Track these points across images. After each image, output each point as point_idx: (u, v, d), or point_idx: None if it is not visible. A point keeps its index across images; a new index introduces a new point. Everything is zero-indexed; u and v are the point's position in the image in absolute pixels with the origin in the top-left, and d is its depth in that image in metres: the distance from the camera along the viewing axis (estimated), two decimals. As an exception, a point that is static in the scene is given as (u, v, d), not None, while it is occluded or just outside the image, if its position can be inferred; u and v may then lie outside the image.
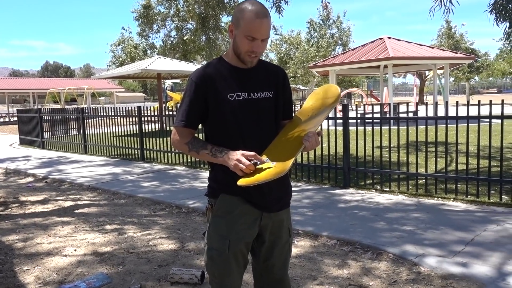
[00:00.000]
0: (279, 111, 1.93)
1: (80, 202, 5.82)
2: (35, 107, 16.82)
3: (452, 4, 6.56)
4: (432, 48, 17.70)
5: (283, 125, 1.98)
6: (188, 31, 26.08)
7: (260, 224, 1.88)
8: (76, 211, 5.34)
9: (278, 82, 1.95)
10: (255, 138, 1.84)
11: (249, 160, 1.72)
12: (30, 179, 7.88)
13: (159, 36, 33.45)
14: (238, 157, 1.72)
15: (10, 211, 5.42)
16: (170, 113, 8.73)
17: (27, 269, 3.43)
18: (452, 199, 5.19)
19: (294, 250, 3.71)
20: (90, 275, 3.24)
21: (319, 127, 1.86)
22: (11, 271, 3.39)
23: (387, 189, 5.76)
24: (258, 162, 1.75)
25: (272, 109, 1.90)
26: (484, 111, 4.99)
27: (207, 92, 1.80)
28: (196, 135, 1.91)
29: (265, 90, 1.88)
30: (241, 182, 1.70)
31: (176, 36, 26.68)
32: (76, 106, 12.29)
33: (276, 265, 1.97)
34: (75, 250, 3.83)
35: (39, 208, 5.53)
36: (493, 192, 5.20)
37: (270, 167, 1.72)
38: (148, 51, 28.87)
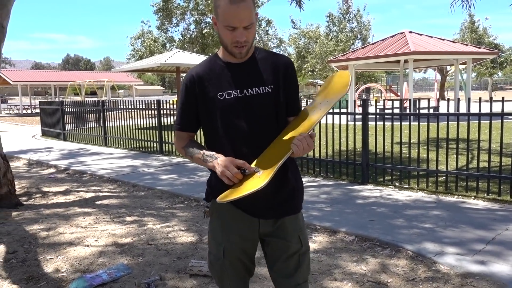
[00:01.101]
0: (281, 107, 1.73)
1: (100, 194, 5.93)
2: (57, 100, 17.13)
3: (474, -1, 6.41)
4: (454, 42, 17.36)
5: (287, 122, 1.79)
6: (207, 24, 26.13)
7: (260, 231, 1.76)
8: (97, 202, 5.44)
9: (279, 73, 1.72)
10: (247, 142, 1.68)
11: (238, 168, 1.58)
12: (52, 170, 8.05)
13: (178, 30, 33.64)
14: (226, 163, 1.59)
15: (33, 201, 5.56)
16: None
17: (50, 258, 3.52)
18: (473, 197, 5.11)
19: (312, 246, 3.71)
20: (111, 266, 3.31)
21: (312, 127, 1.62)
22: (35, 260, 3.49)
23: (406, 186, 5.70)
24: (247, 171, 1.60)
25: (271, 106, 1.70)
26: (508, 107, 4.87)
27: (197, 91, 1.70)
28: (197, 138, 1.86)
29: (262, 85, 1.69)
30: (220, 197, 1.58)
31: (195, 29, 26.77)
32: (96, 99, 12.46)
33: (284, 276, 1.78)
34: (96, 240, 3.91)
35: (61, 199, 5.65)
36: (516, 190, 5.10)
37: (258, 177, 1.56)
38: (167, 45, 29.03)
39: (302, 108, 1.80)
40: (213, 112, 1.68)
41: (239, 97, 1.66)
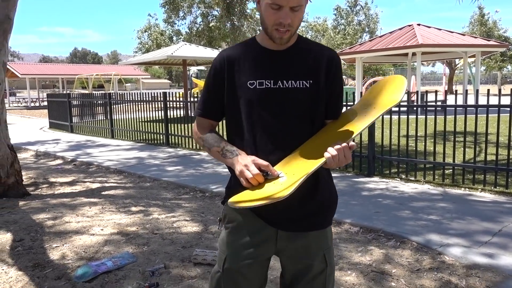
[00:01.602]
0: (318, 107, 1.51)
1: (106, 184, 5.97)
2: (64, 92, 17.22)
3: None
4: (463, 35, 17.17)
5: (324, 124, 1.59)
6: (214, 17, 26.06)
7: (276, 247, 1.52)
8: (103, 192, 5.47)
9: (321, 68, 1.51)
10: (274, 141, 1.47)
11: (260, 170, 1.40)
12: (59, 161, 8.11)
13: (185, 23, 33.60)
14: (247, 162, 1.40)
15: (40, 191, 5.60)
16: (195, 99, 8.80)
17: (56, 246, 3.55)
18: (480, 189, 5.08)
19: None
20: (117, 254, 3.33)
21: (354, 136, 1.43)
22: (41, 248, 3.52)
23: (412, 178, 5.67)
24: (270, 174, 1.40)
25: (307, 104, 1.48)
26: (517, 100, 4.82)
27: (225, 76, 1.51)
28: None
29: (300, 79, 1.48)
30: (233, 200, 1.40)
31: (201, 22, 26.71)
32: (103, 92, 12.52)
33: None
34: (102, 229, 3.94)
35: (67, 189, 5.69)
36: (523, 183, 5.05)
37: (280, 184, 1.36)
38: (174, 38, 29.03)
39: (343, 111, 1.61)
40: (240, 102, 1.49)
41: (272, 89, 1.47)
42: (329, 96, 1.54)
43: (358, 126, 1.44)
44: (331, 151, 1.35)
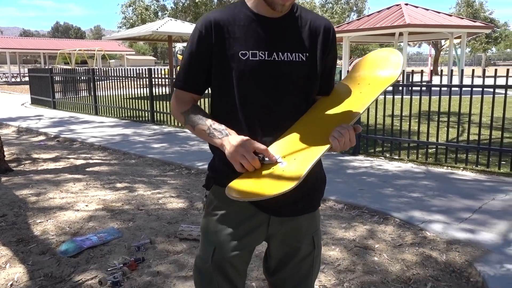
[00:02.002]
0: (313, 82, 1.40)
1: (91, 161, 5.91)
2: (46, 68, 16.86)
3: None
4: (450, 16, 17.20)
5: (315, 101, 1.47)
6: (200, -7, 25.56)
7: (267, 232, 1.43)
8: (87, 169, 5.42)
9: (318, 39, 1.39)
10: (268, 120, 1.35)
11: (255, 153, 1.28)
12: (42, 137, 7.98)
13: (170, -2, 32.85)
14: (241, 144, 1.27)
15: (22, 167, 5.52)
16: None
17: (40, 222, 3.52)
18: (461, 168, 5.17)
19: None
20: (102, 229, 3.32)
21: (356, 118, 1.32)
22: (25, 223, 3.49)
23: (397, 157, 5.74)
24: (267, 159, 1.28)
25: (302, 79, 1.37)
26: (500, 82, 4.88)
27: (212, 44, 1.33)
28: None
29: (296, 51, 1.35)
30: (232, 190, 1.25)
31: (187, -2, 26.20)
32: (87, 67, 12.28)
33: (288, 283, 1.50)
34: (86, 205, 3.92)
35: (51, 165, 5.62)
36: (504, 162, 5.16)
37: (282, 171, 1.24)
38: (159, 13, 28.46)
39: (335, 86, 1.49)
40: (230, 75, 1.33)
41: (266, 61, 1.32)
42: (324, 70, 1.43)
43: (358, 106, 1.34)
44: (337, 135, 1.24)
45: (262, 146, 1.29)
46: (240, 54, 1.32)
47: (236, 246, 1.39)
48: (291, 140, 1.32)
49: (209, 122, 1.36)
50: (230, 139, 1.29)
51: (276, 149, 1.31)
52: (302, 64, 1.35)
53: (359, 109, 1.33)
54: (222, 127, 1.34)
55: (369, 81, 1.43)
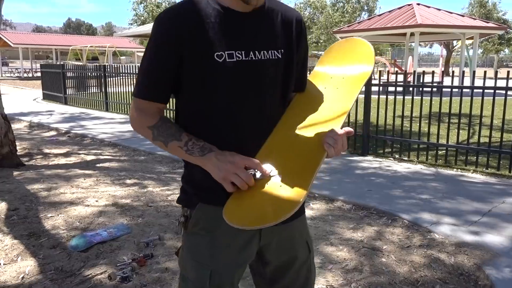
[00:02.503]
0: (290, 80, 1.30)
1: (101, 157, 5.96)
2: (58, 63, 17.02)
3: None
4: (463, 16, 17.04)
5: (290, 100, 1.37)
6: (211, -9, 25.60)
7: (260, 244, 1.30)
8: (98, 165, 5.48)
9: (292, 33, 1.29)
10: (255, 125, 1.23)
11: (245, 168, 1.16)
12: (53, 133, 8.07)
13: (182, -4, 32.92)
14: (232, 164, 1.14)
15: (34, 162, 5.59)
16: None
17: (51, 216, 3.57)
18: (471, 170, 5.14)
19: (309, 212, 3.75)
20: (111, 225, 3.36)
21: (344, 118, 1.26)
22: (36, 217, 3.54)
23: (406, 158, 5.72)
24: (259, 174, 1.16)
25: (280, 77, 1.26)
26: (513, 83, 4.84)
27: (182, 46, 1.15)
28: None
29: (271, 48, 1.24)
30: (233, 218, 1.12)
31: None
32: (98, 64, 12.38)
33: None
34: (96, 201, 3.96)
35: (62, 161, 5.69)
36: (515, 165, 5.12)
37: (281, 187, 1.13)
38: (170, 11, 28.52)
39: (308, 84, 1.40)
40: (206, 79, 1.18)
41: (243, 62, 1.19)
42: (298, 66, 1.33)
43: (341, 105, 1.27)
44: (332, 142, 1.17)
45: (254, 161, 1.17)
46: (216, 56, 1.16)
47: (234, 267, 1.28)
48: (280, 148, 1.22)
49: (185, 137, 1.20)
50: (216, 157, 1.16)
51: (265, 159, 1.20)
52: (279, 62, 1.25)
53: (344, 108, 1.27)
54: (201, 142, 1.20)
55: (343, 75, 1.36)
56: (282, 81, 1.27)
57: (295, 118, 1.29)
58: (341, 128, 1.23)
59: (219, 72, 1.16)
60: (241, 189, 1.15)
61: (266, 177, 1.16)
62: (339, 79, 1.36)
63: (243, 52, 1.19)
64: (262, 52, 1.21)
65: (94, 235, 3.10)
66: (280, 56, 1.25)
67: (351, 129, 1.23)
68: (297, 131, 1.25)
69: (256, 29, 1.22)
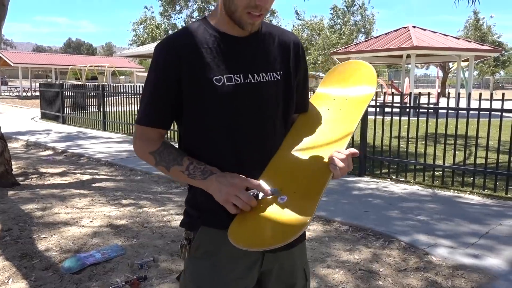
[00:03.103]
0: (290, 101, 1.32)
1: (97, 177, 5.94)
2: (57, 83, 17.11)
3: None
4: (458, 39, 17.30)
5: (293, 121, 1.38)
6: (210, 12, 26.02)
7: (261, 269, 1.29)
8: (93, 184, 5.45)
9: (289, 56, 1.31)
10: (255, 148, 1.24)
11: (246, 189, 1.16)
12: (49, 152, 8.05)
13: (181, 17, 33.39)
14: (234, 186, 1.15)
15: (29, 181, 5.56)
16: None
17: (44, 237, 3.53)
18: (468, 192, 5.13)
19: (306, 234, 3.71)
20: (105, 246, 3.32)
21: (348, 139, 1.27)
22: (29, 238, 3.50)
23: (403, 179, 5.71)
24: (261, 195, 1.17)
25: (280, 100, 1.28)
26: (508, 106, 4.88)
27: (181, 72, 1.19)
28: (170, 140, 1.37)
29: (270, 70, 1.26)
30: (239, 240, 1.10)
31: (198, 17, 26.62)
32: (96, 83, 12.46)
33: None
34: (91, 221, 3.93)
35: (57, 180, 5.66)
36: (511, 187, 5.11)
37: (285, 208, 1.13)
38: (170, 32, 28.90)
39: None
40: (206, 104, 1.20)
41: (242, 84, 1.21)
42: (298, 87, 1.35)
43: (345, 126, 1.29)
44: (338, 163, 1.17)
45: (255, 182, 1.17)
46: (215, 80, 1.19)
47: None
48: (285, 169, 1.23)
49: (186, 161, 1.22)
50: (217, 179, 1.17)
51: (269, 180, 1.20)
52: (278, 84, 1.27)
53: (348, 129, 1.28)
54: (202, 165, 1.21)
55: (345, 97, 1.38)
56: (283, 103, 1.29)
57: (299, 139, 1.30)
58: (346, 149, 1.24)
59: (219, 96, 1.19)
60: (244, 211, 1.15)
61: (268, 196, 1.16)
62: (342, 101, 1.38)
63: (241, 75, 1.21)
64: (260, 74, 1.24)
65: (87, 257, 3.06)
66: (279, 77, 1.27)
67: (356, 150, 1.24)
68: (302, 152, 1.26)
69: (253, 52, 1.25)
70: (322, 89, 1.46)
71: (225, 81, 1.19)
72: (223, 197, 1.15)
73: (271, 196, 1.16)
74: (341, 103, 1.38)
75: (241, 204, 1.14)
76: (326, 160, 1.21)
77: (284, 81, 1.29)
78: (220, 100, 1.19)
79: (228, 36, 1.23)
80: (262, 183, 1.20)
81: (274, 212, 1.13)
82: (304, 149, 1.28)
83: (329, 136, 1.30)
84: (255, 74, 1.23)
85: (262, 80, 1.24)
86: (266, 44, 1.28)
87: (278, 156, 1.26)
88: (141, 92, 9.73)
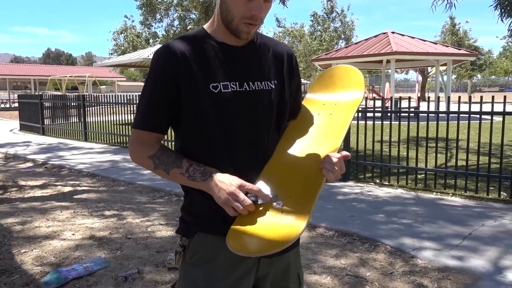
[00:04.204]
0: (284, 109, 1.36)
1: (79, 188, 5.83)
2: (36, 94, 16.82)
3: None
4: (436, 44, 17.65)
5: (284, 127, 1.42)
6: (191, 21, 25.98)
7: (257, 275, 1.29)
8: (75, 196, 5.34)
9: (283, 66, 1.37)
10: (251, 154, 1.27)
11: (245, 194, 1.18)
12: (29, 164, 7.88)
13: (162, 26, 33.33)
14: (233, 189, 1.17)
15: (9, 195, 5.43)
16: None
17: (24, 252, 3.43)
18: (450, 194, 5.20)
19: (299, 238, 3.70)
20: (88, 259, 3.25)
21: (340, 143, 1.30)
22: (9, 253, 3.40)
23: (386, 183, 5.76)
24: (260, 201, 1.19)
25: (274, 107, 1.32)
26: (486, 108, 4.98)
27: (179, 79, 1.22)
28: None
29: (265, 79, 1.31)
30: (237, 246, 1.13)
31: (179, 25, 26.60)
32: (77, 94, 12.30)
33: None
34: (73, 234, 3.84)
35: (38, 193, 5.53)
36: (492, 188, 5.20)
37: (282, 213, 1.15)
38: (151, 41, 28.78)
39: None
40: (203, 110, 1.23)
41: (238, 92, 1.25)
42: (291, 96, 1.40)
43: (336, 130, 1.32)
44: (330, 167, 1.20)
45: (255, 187, 1.20)
46: (211, 87, 1.23)
47: None
48: (279, 174, 1.25)
49: (185, 163, 1.23)
50: (218, 181, 1.19)
51: (265, 186, 1.23)
52: (272, 92, 1.32)
53: (339, 133, 1.32)
54: (202, 167, 1.23)
55: (335, 101, 1.42)
56: (277, 110, 1.33)
57: (292, 144, 1.34)
58: (338, 152, 1.27)
59: (215, 102, 1.23)
60: (243, 215, 1.17)
61: (266, 202, 1.18)
62: (332, 105, 1.41)
63: (237, 83, 1.26)
64: (256, 83, 1.29)
65: (69, 271, 2.99)
66: (273, 86, 1.32)
67: (348, 153, 1.27)
68: (295, 157, 1.29)
69: (249, 61, 1.30)
70: (312, 94, 1.49)
71: (222, 88, 1.24)
72: (223, 199, 1.17)
73: (271, 201, 1.19)
74: (331, 107, 1.41)
75: (240, 209, 1.16)
76: (318, 164, 1.24)
77: (278, 90, 1.33)
78: (217, 106, 1.23)
79: (225, 45, 1.28)
80: (262, 188, 1.22)
81: (271, 217, 1.15)
82: (297, 154, 1.31)
83: (320, 140, 1.32)
84: (250, 82, 1.28)
85: (257, 88, 1.29)
86: (261, 54, 1.33)
87: (272, 161, 1.29)
88: (123, 101, 9.66)
